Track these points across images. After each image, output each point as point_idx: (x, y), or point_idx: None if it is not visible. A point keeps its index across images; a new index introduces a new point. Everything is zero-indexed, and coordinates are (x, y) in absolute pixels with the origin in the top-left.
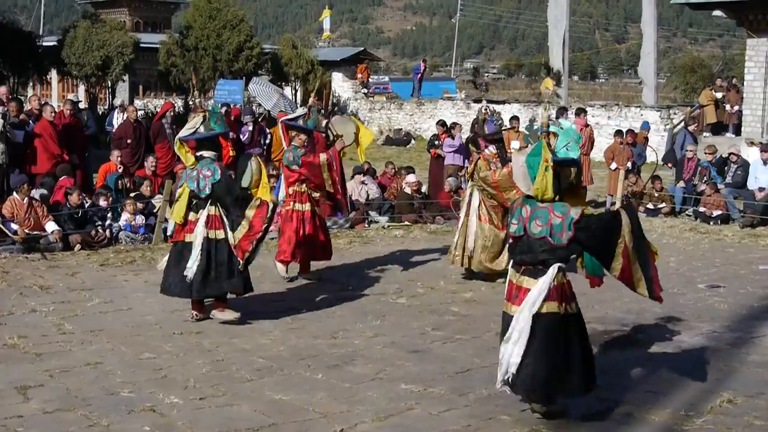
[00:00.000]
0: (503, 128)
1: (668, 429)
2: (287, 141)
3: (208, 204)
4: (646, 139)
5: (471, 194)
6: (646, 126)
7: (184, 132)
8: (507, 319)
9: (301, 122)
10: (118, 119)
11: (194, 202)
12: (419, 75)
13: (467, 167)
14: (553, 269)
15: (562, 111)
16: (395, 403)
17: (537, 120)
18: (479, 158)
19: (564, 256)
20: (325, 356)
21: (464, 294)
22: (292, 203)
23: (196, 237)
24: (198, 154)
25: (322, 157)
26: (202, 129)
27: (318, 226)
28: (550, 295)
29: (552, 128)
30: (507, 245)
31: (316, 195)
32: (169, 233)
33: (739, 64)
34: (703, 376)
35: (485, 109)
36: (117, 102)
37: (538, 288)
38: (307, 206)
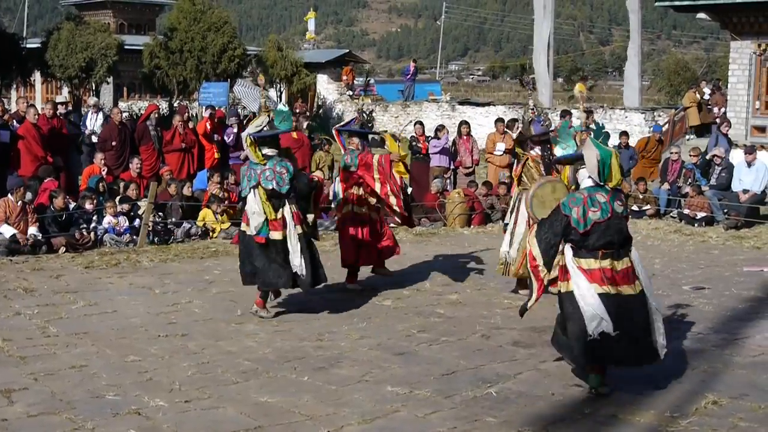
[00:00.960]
0: (551, 129)
1: (653, 430)
2: (343, 146)
3: (288, 201)
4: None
5: (519, 200)
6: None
7: (251, 129)
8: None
9: (353, 127)
10: (92, 120)
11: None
12: (408, 76)
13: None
14: (634, 249)
15: (565, 113)
16: (381, 406)
17: (571, 119)
18: (527, 159)
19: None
20: (311, 358)
21: (450, 296)
22: (350, 206)
23: (291, 232)
24: (263, 152)
25: (375, 157)
26: (267, 128)
27: (377, 229)
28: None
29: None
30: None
31: (373, 200)
32: (260, 233)
33: (723, 67)
34: (687, 378)
35: (532, 110)
36: (91, 102)
37: (640, 266)
38: (364, 209)
